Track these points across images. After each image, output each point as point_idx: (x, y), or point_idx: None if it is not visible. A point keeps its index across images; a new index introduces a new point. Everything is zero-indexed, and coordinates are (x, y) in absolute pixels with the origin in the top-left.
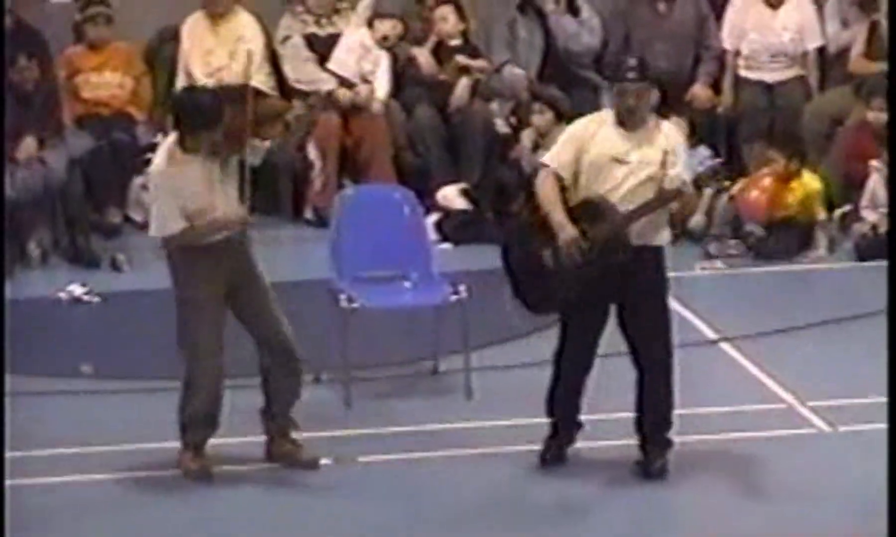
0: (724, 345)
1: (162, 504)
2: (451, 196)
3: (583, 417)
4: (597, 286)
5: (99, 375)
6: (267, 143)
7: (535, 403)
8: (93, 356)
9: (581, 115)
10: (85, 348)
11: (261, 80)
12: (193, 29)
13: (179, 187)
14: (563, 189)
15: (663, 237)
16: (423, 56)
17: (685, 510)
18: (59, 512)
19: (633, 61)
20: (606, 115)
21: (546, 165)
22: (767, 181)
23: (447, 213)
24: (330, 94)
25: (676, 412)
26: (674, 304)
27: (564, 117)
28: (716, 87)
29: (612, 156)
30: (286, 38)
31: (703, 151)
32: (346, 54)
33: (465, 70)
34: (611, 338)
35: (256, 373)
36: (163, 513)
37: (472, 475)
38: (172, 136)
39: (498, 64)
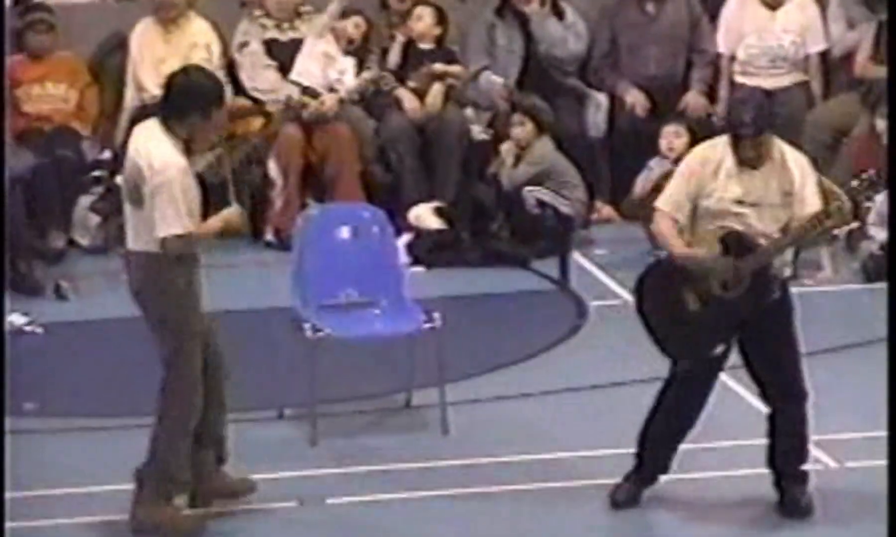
0: (723, 375)
1: None
2: (424, 215)
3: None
4: (742, 325)
5: (43, 413)
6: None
7: (516, 439)
8: (36, 392)
9: (564, 126)
10: (28, 383)
11: None
12: (143, 36)
13: (187, 183)
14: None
15: (786, 270)
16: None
17: None
18: None
19: (748, 116)
20: (724, 147)
21: (660, 209)
22: None
23: (420, 234)
24: (290, 103)
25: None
26: None
27: (546, 128)
28: (711, 94)
29: (737, 198)
30: (244, 44)
31: None
32: (309, 63)
33: (438, 76)
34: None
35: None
36: None
37: (449, 517)
38: (157, 126)
39: (474, 71)
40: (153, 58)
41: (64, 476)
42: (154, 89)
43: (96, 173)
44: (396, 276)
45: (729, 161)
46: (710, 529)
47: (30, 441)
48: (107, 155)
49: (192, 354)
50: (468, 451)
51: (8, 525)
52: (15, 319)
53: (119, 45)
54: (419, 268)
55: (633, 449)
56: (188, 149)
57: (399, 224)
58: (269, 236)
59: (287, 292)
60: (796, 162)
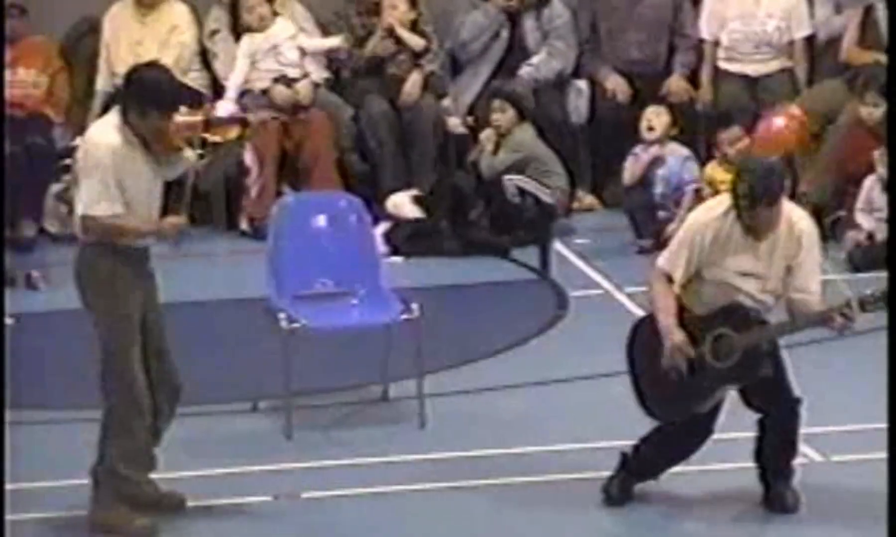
0: None
1: None
2: (401, 204)
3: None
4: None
5: (12, 405)
6: (192, 154)
7: (495, 431)
8: (7, 384)
9: (545, 112)
10: None
11: (192, 77)
12: (117, 19)
13: (126, 169)
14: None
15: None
16: (370, 43)
17: None
18: None
19: (761, 188)
20: (730, 217)
21: (659, 267)
22: None
23: (397, 223)
24: (265, 92)
25: None
26: None
27: (527, 115)
28: (693, 79)
29: (741, 272)
30: (215, 32)
31: (681, 150)
32: (269, 61)
33: (415, 58)
34: None
35: (194, 401)
36: None
37: (427, 511)
38: (115, 113)
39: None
40: (129, 41)
41: (34, 469)
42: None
43: (67, 161)
44: (373, 266)
45: (735, 232)
46: (695, 524)
47: None
48: (78, 142)
49: (124, 346)
50: (446, 444)
51: None
52: None
53: (91, 29)
54: (397, 258)
55: (614, 441)
56: (148, 146)
57: (376, 213)
58: (243, 225)
59: (262, 282)
60: (804, 232)
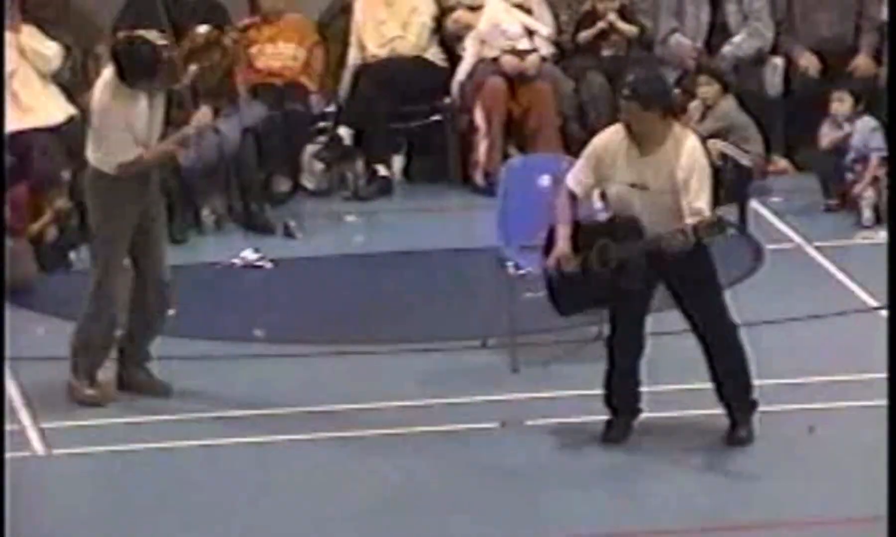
0: (885, 313)
1: (347, 465)
2: None
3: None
4: (605, 295)
5: (271, 339)
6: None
7: (700, 368)
8: (265, 320)
9: (745, 86)
10: (257, 312)
11: (433, 52)
12: (367, 1)
13: (130, 121)
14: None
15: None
16: (583, 33)
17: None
18: (237, 474)
19: (638, 86)
20: (624, 133)
21: (564, 182)
22: None
23: None
24: (495, 59)
25: (841, 377)
26: (833, 271)
27: (729, 88)
28: (879, 57)
29: (630, 182)
30: (452, 8)
31: (869, 122)
32: (499, 40)
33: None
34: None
35: (431, 337)
36: (344, 475)
37: (636, 438)
38: (110, 72)
39: (664, 33)
40: (375, 20)
41: (288, 395)
42: (374, 49)
43: (321, 124)
44: None
45: (623, 147)
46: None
47: (259, 364)
48: (331, 108)
49: (113, 254)
50: (655, 379)
51: (235, 440)
52: (248, 254)
53: (343, 10)
54: None
55: (809, 378)
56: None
57: None
58: (478, 179)
59: (491, 233)
60: (690, 153)
